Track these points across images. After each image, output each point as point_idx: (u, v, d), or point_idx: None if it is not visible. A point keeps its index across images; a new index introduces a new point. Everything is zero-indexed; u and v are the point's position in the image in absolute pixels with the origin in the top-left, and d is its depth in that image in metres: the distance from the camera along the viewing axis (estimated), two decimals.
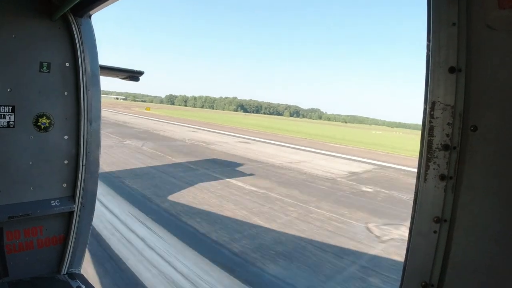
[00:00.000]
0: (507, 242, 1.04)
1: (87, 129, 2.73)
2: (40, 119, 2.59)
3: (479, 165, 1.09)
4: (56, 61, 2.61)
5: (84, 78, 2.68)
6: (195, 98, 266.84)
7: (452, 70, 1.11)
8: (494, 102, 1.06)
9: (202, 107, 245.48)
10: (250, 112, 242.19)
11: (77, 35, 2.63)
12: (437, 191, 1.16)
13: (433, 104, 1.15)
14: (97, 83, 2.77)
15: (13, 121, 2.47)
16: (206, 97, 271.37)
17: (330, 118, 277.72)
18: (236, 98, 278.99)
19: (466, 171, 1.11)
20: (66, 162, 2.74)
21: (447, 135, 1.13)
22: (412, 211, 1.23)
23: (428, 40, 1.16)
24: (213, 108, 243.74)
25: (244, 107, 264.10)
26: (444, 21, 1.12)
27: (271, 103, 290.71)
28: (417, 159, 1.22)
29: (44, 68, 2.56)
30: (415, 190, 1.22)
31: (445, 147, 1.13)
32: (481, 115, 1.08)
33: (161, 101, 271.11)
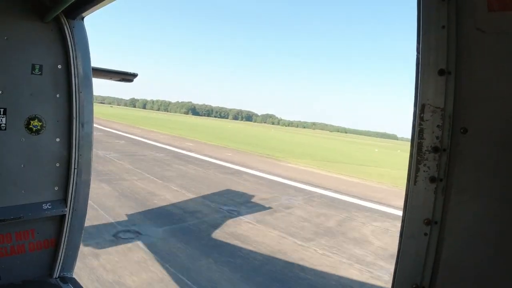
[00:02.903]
0: (498, 243, 1.04)
1: (79, 132, 2.72)
2: (32, 122, 2.56)
3: (469, 167, 1.09)
4: (48, 63, 2.60)
5: (76, 81, 2.67)
6: (153, 101, 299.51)
7: (441, 72, 1.12)
8: (483, 104, 1.06)
9: (158, 109, 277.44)
10: (201, 115, 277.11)
11: (70, 37, 2.63)
12: (427, 193, 1.16)
13: (423, 106, 1.15)
14: (89, 86, 2.77)
15: (5, 124, 2.45)
16: (162, 101, 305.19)
17: (274, 122, 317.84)
18: (190, 102, 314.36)
19: (456, 173, 1.11)
20: (58, 165, 2.72)
21: (437, 138, 1.13)
22: (402, 214, 1.23)
23: (418, 42, 1.16)
24: (167, 111, 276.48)
25: (196, 110, 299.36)
26: (434, 23, 1.12)
27: (224, 108, 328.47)
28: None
29: (36, 70, 2.54)
30: (406, 192, 1.22)
31: (435, 149, 1.14)
32: (471, 118, 1.08)
33: (125, 103, 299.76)
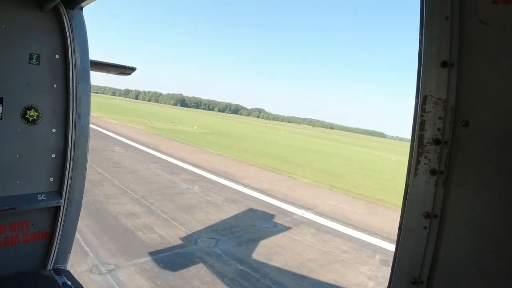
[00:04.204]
0: (497, 238, 1.04)
1: (76, 123, 2.71)
2: (28, 112, 2.55)
3: (471, 160, 1.09)
4: (46, 53, 2.58)
5: (73, 72, 2.66)
6: (144, 92, 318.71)
7: (444, 64, 1.11)
8: (486, 97, 1.06)
9: (149, 100, 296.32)
10: (190, 107, 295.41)
11: (68, 27, 2.61)
12: (427, 186, 1.15)
13: (425, 98, 1.14)
14: (87, 77, 2.75)
15: (1, 113, 2.43)
16: (153, 92, 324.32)
17: (259, 116, 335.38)
18: (181, 94, 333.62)
19: (457, 166, 1.11)
20: (53, 156, 2.71)
21: (439, 130, 1.13)
22: (402, 206, 1.22)
23: (421, 34, 1.15)
24: (158, 102, 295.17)
25: (185, 102, 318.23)
26: (437, 15, 1.12)
27: (214, 101, 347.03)
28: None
29: (34, 60, 2.52)
30: (405, 184, 1.21)
31: (436, 142, 1.13)
32: (473, 110, 1.08)
33: (119, 93, 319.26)
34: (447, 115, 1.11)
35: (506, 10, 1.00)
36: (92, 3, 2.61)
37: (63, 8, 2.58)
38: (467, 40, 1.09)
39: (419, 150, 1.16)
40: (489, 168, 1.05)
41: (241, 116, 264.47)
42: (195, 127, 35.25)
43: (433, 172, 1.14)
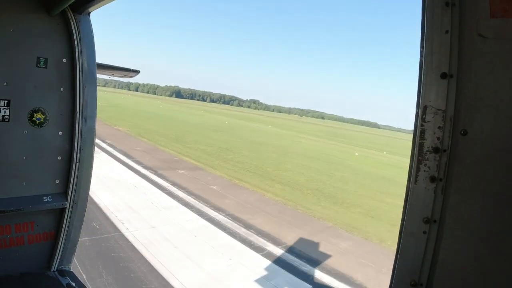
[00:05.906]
0: (494, 243, 1.07)
1: (82, 126, 2.74)
2: (35, 114, 2.58)
3: (469, 168, 1.12)
4: (53, 57, 2.61)
5: (80, 75, 2.69)
6: (143, 85, 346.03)
7: (444, 75, 1.15)
8: (484, 107, 1.09)
9: (147, 92, 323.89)
10: (185, 98, 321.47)
11: (75, 32, 2.65)
12: (427, 193, 1.19)
13: (425, 108, 1.18)
14: (93, 81, 2.78)
15: (8, 116, 2.46)
16: (151, 84, 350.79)
17: (250, 106, 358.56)
18: (177, 86, 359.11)
19: (455, 174, 1.14)
20: (59, 158, 2.74)
21: (438, 138, 1.16)
22: (402, 212, 1.26)
23: (422, 46, 1.19)
24: (155, 94, 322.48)
25: (180, 93, 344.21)
26: (437, 28, 1.16)
27: (209, 92, 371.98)
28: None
29: (41, 63, 2.56)
30: (406, 191, 1.25)
31: (436, 150, 1.17)
32: (471, 120, 1.11)
33: (121, 86, 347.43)
34: (446, 125, 1.15)
35: (503, 24, 1.04)
36: (100, 8, 2.66)
37: (71, 13, 2.62)
38: (466, 52, 1.12)
39: (419, 158, 1.20)
40: (486, 176, 1.08)
41: (231, 106, 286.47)
42: (101, 102, 58.87)
43: (432, 179, 1.18)
